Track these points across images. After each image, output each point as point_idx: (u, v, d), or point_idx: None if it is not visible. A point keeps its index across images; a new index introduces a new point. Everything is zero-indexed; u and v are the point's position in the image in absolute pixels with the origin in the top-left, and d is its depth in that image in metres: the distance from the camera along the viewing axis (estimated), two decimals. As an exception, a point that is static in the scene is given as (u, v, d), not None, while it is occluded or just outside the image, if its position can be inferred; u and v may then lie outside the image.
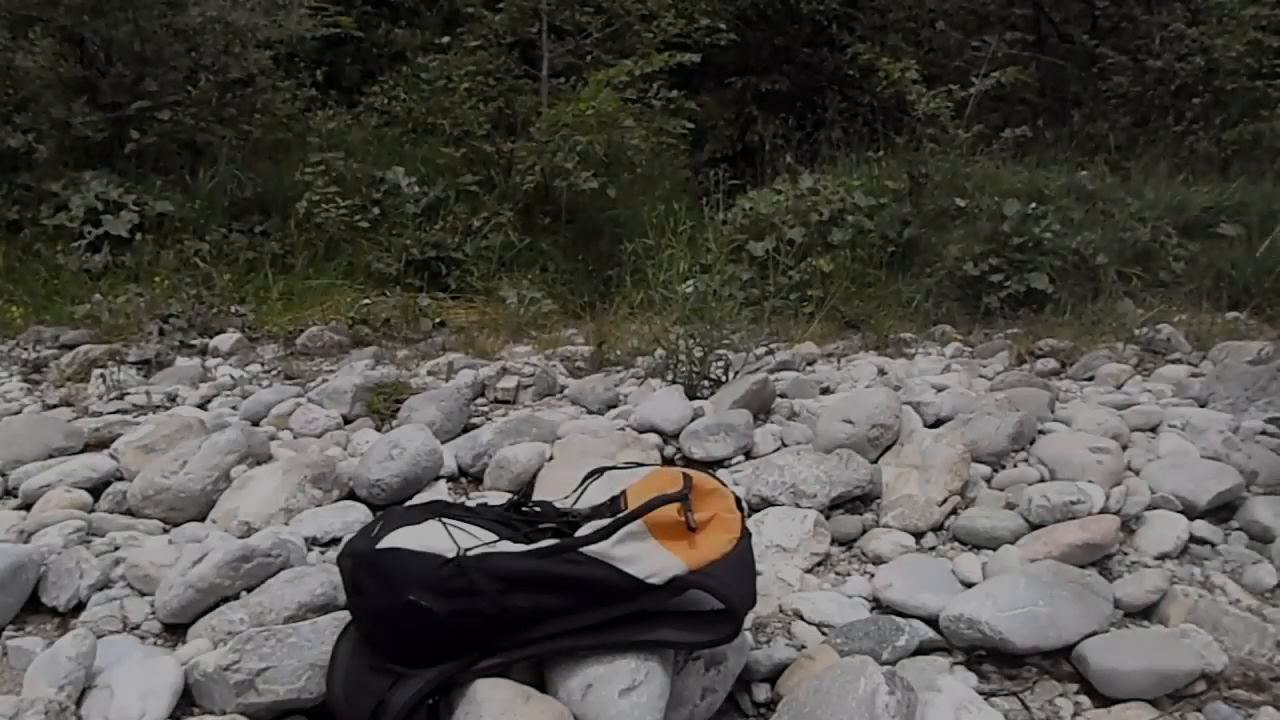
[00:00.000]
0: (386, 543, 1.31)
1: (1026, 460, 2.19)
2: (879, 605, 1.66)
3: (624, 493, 1.42)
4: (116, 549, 1.74)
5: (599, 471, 1.52)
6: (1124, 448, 2.22)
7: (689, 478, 1.39)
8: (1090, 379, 3.18)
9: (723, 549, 1.32)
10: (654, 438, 2.34)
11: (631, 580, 1.26)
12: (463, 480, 2.19)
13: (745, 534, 1.38)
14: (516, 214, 5.42)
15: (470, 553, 1.28)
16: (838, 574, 1.81)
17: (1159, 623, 1.65)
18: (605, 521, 1.31)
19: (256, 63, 5.86)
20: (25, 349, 3.51)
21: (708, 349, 2.86)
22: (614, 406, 2.72)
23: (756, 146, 7.60)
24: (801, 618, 1.61)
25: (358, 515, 1.89)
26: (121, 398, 2.88)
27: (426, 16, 7.30)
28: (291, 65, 6.47)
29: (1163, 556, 1.83)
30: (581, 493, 1.50)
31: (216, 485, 1.99)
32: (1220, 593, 1.73)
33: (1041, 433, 2.32)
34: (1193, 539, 1.89)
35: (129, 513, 1.97)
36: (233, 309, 4.06)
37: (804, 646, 1.52)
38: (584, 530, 1.33)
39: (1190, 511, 1.95)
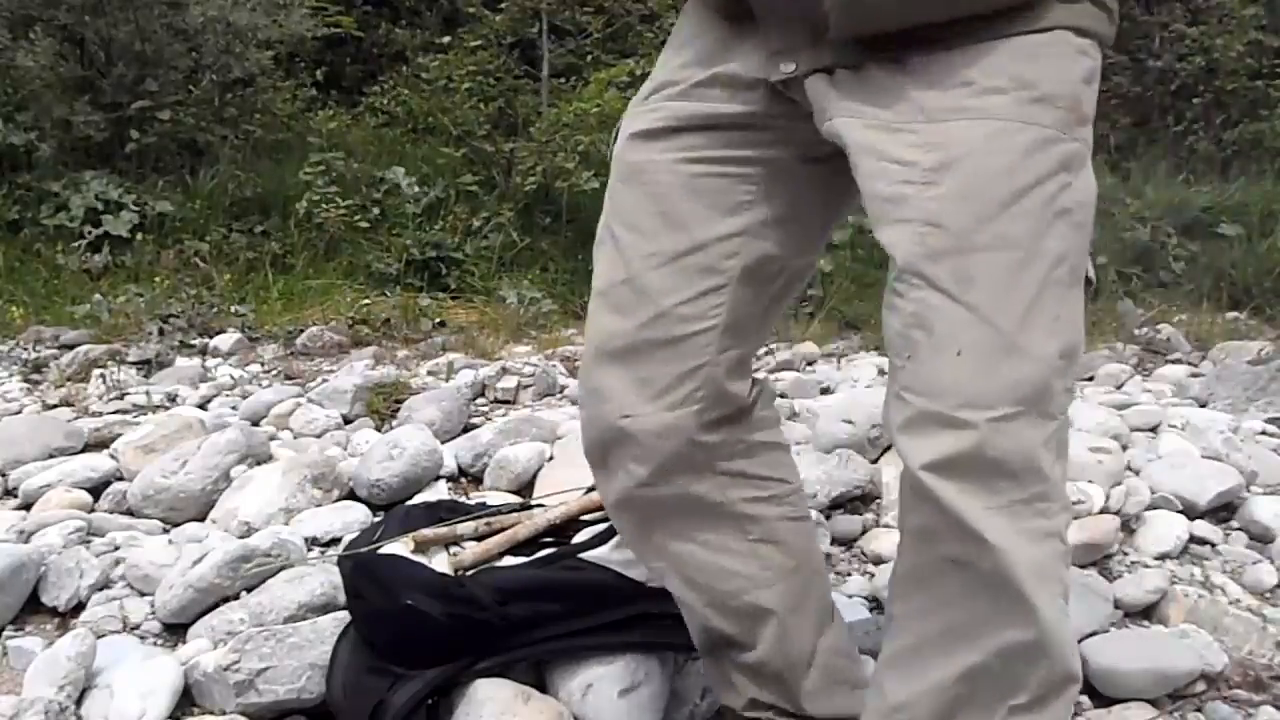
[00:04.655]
0: (387, 548, 1.32)
1: (1026, 460, 2.19)
2: (879, 605, 1.66)
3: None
4: (116, 549, 1.74)
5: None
6: (1124, 448, 2.22)
7: None
8: (1090, 379, 3.18)
9: (723, 551, 1.32)
10: (654, 438, 2.34)
11: (631, 584, 1.26)
12: (463, 480, 2.18)
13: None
14: (517, 214, 5.42)
15: (468, 574, 1.29)
16: (838, 574, 1.81)
17: (1159, 623, 1.65)
18: (603, 526, 1.32)
19: (257, 63, 5.86)
20: (25, 349, 3.51)
21: (708, 349, 2.86)
22: (614, 406, 2.71)
23: (757, 146, 7.58)
24: (801, 618, 1.61)
25: (358, 515, 1.89)
26: (121, 398, 2.88)
27: (426, 16, 7.30)
28: (292, 65, 6.47)
29: (1163, 556, 1.83)
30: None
31: (216, 485, 1.99)
32: (1220, 593, 1.73)
33: (1041, 433, 2.31)
34: (1193, 539, 1.89)
35: (129, 513, 1.96)
36: (233, 309, 4.06)
37: (804, 646, 1.52)
38: (582, 536, 1.33)
39: (1190, 511, 1.95)
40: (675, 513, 1.05)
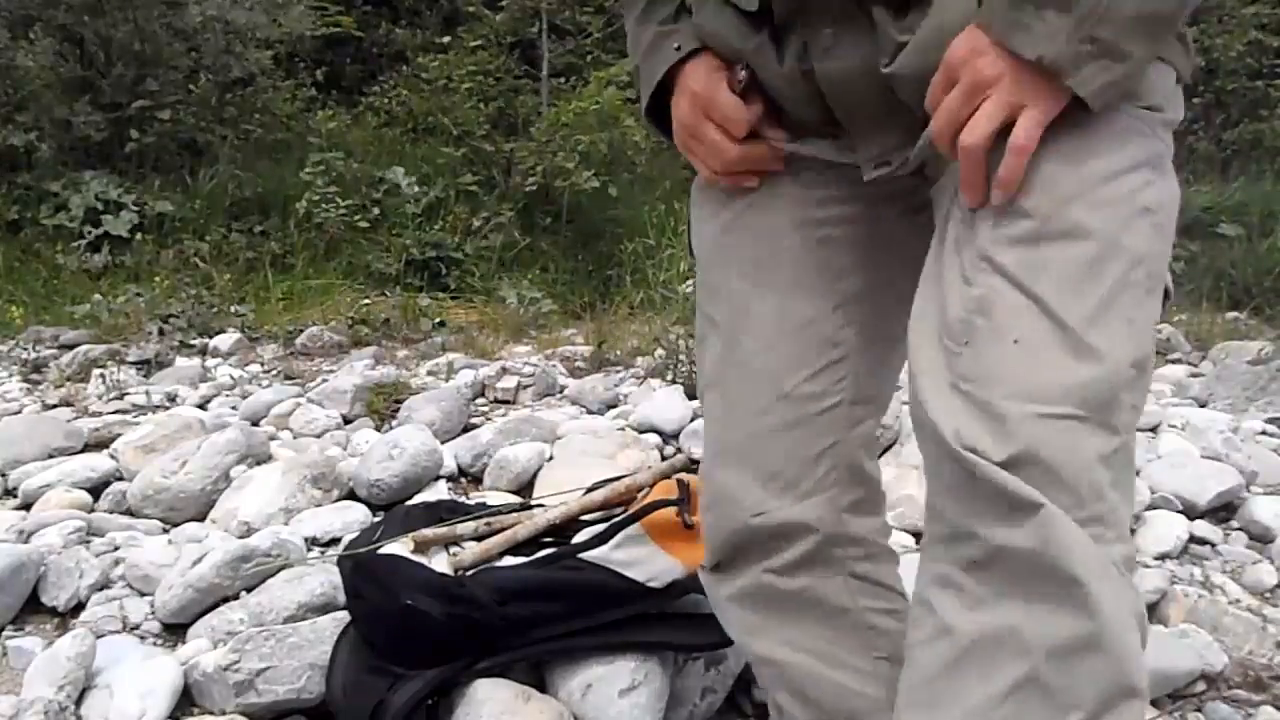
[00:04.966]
0: (387, 548, 1.32)
1: (1026, 460, 2.18)
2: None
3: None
4: (116, 549, 1.74)
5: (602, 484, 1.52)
6: (1124, 448, 2.21)
7: (685, 484, 1.38)
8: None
9: (723, 551, 1.32)
10: (654, 438, 2.34)
11: (632, 584, 1.26)
12: (463, 480, 2.19)
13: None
14: (516, 214, 5.43)
15: (469, 574, 1.29)
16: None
17: (1159, 623, 1.65)
18: (603, 526, 1.32)
19: (257, 62, 5.87)
20: (25, 349, 3.51)
21: (708, 349, 2.86)
22: (614, 406, 2.72)
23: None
24: (801, 618, 1.60)
25: (357, 515, 1.89)
26: (121, 398, 2.88)
27: (426, 16, 7.31)
28: (292, 65, 6.48)
29: (1163, 556, 1.83)
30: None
31: (216, 485, 1.99)
32: (1220, 593, 1.73)
33: (1041, 433, 2.31)
34: (1193, 539, 1.89)
35: (129, 513, 1.97)
36: (233, 309, 4.07)
37: (804, 647, 1.52)
38: (582, 536, 1.33)
39: (1190, 511, 1.95)
40: (796, 615, 0.95)
